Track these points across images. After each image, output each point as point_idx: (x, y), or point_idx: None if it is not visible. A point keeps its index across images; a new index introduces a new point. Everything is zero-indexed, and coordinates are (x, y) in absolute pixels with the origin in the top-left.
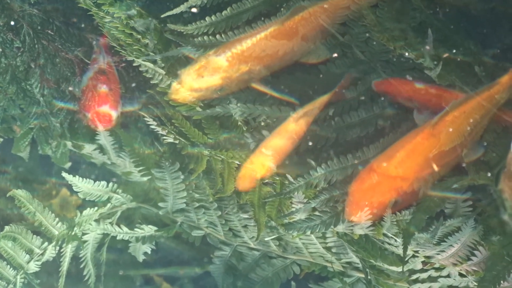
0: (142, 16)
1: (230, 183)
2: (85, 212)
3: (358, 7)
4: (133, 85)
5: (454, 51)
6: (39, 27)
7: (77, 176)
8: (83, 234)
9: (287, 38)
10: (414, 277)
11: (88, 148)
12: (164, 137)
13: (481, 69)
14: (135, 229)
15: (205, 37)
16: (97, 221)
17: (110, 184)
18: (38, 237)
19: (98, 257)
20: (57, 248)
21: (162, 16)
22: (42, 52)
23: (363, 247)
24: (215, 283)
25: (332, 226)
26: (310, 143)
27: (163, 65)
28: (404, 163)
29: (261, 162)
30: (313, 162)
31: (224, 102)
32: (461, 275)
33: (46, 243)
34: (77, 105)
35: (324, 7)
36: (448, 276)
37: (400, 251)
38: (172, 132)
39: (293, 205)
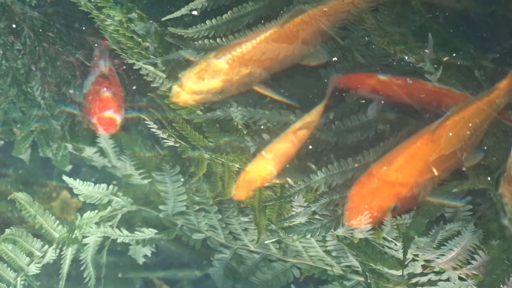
0: (143, 19)
1: (230, 186)
2: (85, 215)
3: (358, 10)
4: (134, 88)
5: (454, 55)
6: (40, 30)
7: (77, 179)
8: (84, 237)
9: (287, 41)
10: (414, 280)
11: (89, 151)
12: (165, 140)
13: (481, 73)
14: (136, 232)
15: (206, 41)
16: (97, 224)
17: (111, 187)
18: (39, 240)
19: (98, 260)
20: (58, 250)
21: (162, 19)
22: (43, 55)
23: (363, 250)
24: (215, 286)
25: (332, 230)
26: (310, 147)
27: (163, 68)
28: (404, 168)
29: (258, 174)
30: (313, 166)
31: (224, 105)
32: (460, 279)
33: (46, 246)
34: (81, 110)
35: (324, 10)
36: (448, 280)
37: (400, 254)
38: (173, 135)
39: (293, 209)
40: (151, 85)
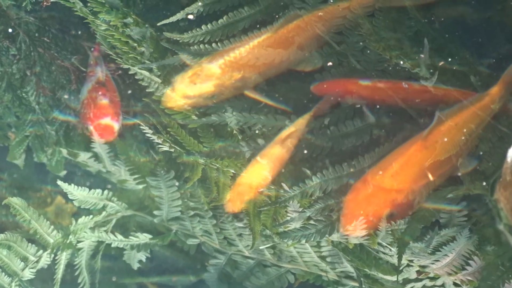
0: (138, 24)
1: (225, 191)
2: (80, 220)
3: (354, 16)
4: (129, 92)
5: (450, 60)
6: (35, 35)
7: (72, 184)
8: (78, 241)
9: (282, 46)
10: (408, 286)
11: (83, 156)
12: (160, 145)
13: (477, 79)
14: (130, 237)
15: (201, 46)
16: (92, 229)
17: (105, 192)
18: (33, 245)
19: (92, 265)
20: (52, 255)
21: (158, 24)
22: (38, 60)
23: (358, 256)
24: None
25: (327, 235)
26: (305, 152)
27: (159, 73)
28: (399, 174)
29: (251, 183)
30: (308, 171)
31: (219, 110)
32: (455, 284)
33: (41, 251)
34: (76, 115)
35: (319, 15)
36: (442, 285)
37: (394, 260)
38: (168, 140)
39: (288, 214)
40: (146, 90)
